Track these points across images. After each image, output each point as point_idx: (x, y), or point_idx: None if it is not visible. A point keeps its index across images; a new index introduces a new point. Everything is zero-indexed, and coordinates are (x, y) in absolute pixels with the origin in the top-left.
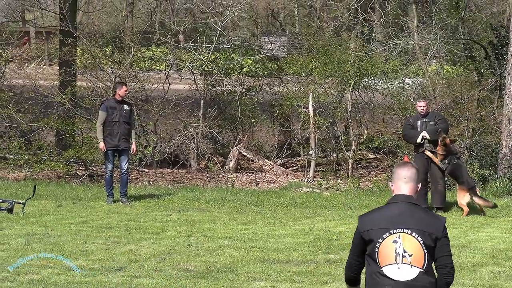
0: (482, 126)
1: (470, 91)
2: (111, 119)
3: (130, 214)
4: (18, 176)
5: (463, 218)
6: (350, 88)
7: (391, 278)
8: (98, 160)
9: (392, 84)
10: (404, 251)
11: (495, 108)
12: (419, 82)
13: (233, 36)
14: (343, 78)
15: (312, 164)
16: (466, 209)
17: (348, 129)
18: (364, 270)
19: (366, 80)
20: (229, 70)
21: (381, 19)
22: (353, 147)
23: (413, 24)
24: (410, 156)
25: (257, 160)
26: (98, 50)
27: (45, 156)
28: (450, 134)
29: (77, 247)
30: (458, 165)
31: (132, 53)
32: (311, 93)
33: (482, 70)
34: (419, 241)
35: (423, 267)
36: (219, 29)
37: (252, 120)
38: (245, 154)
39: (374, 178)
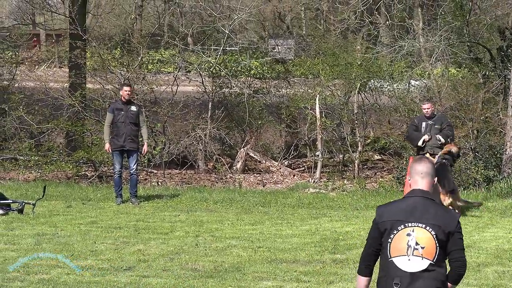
0: (487, 128)
1: (475, 93)
2: (117, 120)
3: (139, 214)
4: (28, 177)
5: (468, 219)
6: (357, 90)
7: (401, 269)
8: (107, 161)
9: (397, 86)
10: (417, 244)
11: (499, 109)
12: (424, 84)
13: (240, 39)
14: (350, 80)
15: (319, 165)
16: None
17: (354, 131)
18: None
19: (372, 82)
20: (237, 72)
21: (387, 22)
22: (359, 148)
23: (419, 27)
24: None
25: (264, 161)
26: (107, 52)
27: (55, 157)
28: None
29: (87, 247)
30: (443, 167)
31: (141, 55)
32: (317, 95)
33: (487, 72)
34: (432, 235)
35: (433, 259)
36: (227, 32)
37: (259, 122)
38: (253, 155)
39: (380, 179)
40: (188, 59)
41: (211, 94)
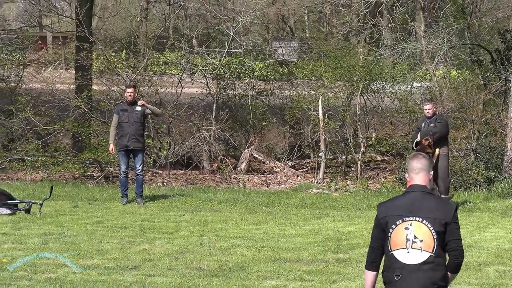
0: (488, 129)
1: (476, 95)
2: (121, 120)
3: (144, 214)
4: (35, 178)
5: (469, 219)
6: (359, 92)
7: (401, 261)
8: (113, 162)
9: (399, 88)
10: (415, 237)
11: (500, 111)
12: (426, 86)
13: (245, 41)
14: (352, 82)
15: (322, 166)
16: None
17: (357, 132)
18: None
19: (375, 84)
20: (241, 74)
21: (389, 24)
22: (362, 149)
23: (421, 29)
24: None
25: (268, 162)
26: (113, 54)
27: (62, 158)
28: (455, 136)
29: (93, 246)
30: None
31: (147, 57)
32: (320, 97)
33: (488, 74)
34: (429, 228)
35: (433, 251)
36: (231, 34)
37: (263, 123)
38: (257, 156)
39: (382, 180)
40: (193, 61)
41: (215, 96)
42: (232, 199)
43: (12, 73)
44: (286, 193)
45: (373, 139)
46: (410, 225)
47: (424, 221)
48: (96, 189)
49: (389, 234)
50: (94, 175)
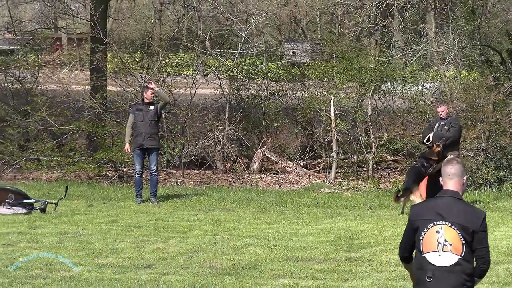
0: (498, 129)
1: (486, 95)
2: (136, 120)
3: (158, 213)
4: (51, 177)
5: None
6: (370, 93)
7: (433, 264)
8: (128, 161)
9: (410, 88)
10: (445, 241)
11: (510, 111)
12: (437, 86)
13: (257, 42)
14: (364, 83)
15: (334, 165)
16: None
17: (368, 132)
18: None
19: (386, 85)
20: (254, 75)
21: (400, 26)
22: (373, 149)
23: (431, 31)
24: None
25: (280, 162)
26: (128, 56)
27: (77, 157)
28: (466, 136)
29: (107, 245)
30: (413, 167)
31: (160, 58)
32: (332, 98)
33: (498, 75)
34: (458, 233)
35: (461, 255)
36: (244, 35)
37: (276, 124)
38: (269, 156)
39: (393, 179)
40: (206, 62)
41: (228, 97)
42: (245, 199)
43: (28, 74)
44: (298, 193)
45: (384, 139)
46: (441, 228)
47: (453, 226)
48: (111, 189)
49: (421, 238)
50: (109, 174)
